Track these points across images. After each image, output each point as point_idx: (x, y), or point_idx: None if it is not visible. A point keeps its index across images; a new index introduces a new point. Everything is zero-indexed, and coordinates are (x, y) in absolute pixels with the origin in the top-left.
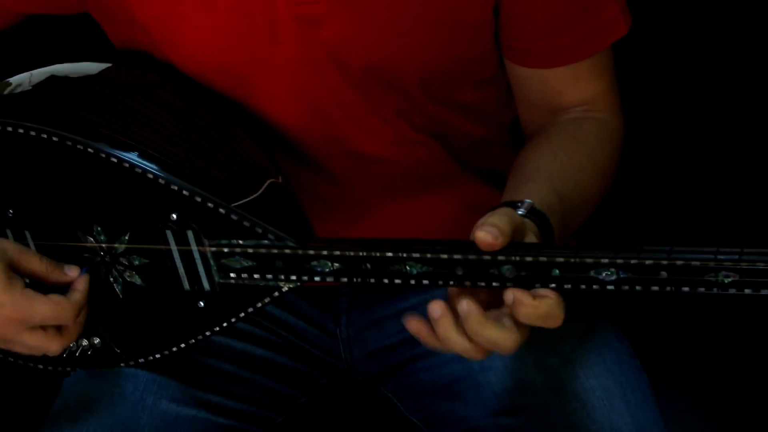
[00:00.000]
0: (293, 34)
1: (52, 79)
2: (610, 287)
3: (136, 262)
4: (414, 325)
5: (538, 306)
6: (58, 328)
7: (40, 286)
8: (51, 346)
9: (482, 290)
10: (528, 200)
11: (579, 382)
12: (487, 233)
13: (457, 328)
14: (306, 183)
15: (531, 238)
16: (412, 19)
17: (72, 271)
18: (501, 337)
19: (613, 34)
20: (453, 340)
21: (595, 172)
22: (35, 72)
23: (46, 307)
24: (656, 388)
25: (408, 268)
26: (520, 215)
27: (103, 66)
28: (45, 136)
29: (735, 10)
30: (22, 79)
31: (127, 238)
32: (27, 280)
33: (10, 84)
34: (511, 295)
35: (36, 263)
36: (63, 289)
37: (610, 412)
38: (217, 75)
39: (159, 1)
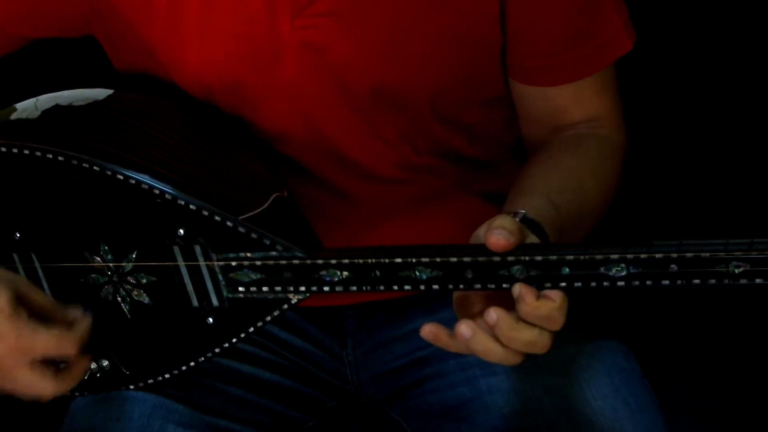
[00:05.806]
0: (297, 58)
1: (59, 105)
2: (620, 283)
3: (144, 281)
4: (430, 331)
5: (539, 307)
6: (56, 371)
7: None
8: (44, 387)
9: (479, 300)
10: (521, 211)
11: (587, 404)
12: (499, 236)
13: (493, 338)
14: (312, 200)
15: (533, 240)
16: (420, 40)
17: (75, 312)
18: (536, 336)
19: (617, 50)
20: (493, 350)
21: (595, 186)
22: (41, 98)
23: (49, 338)
24: (660, 399)
25: (417, 273)
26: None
27: (108, 92)
28: (50, 156)
29: (737, 11)
30: (28, 105)
31: (134, 256)
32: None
33: (16, 109)
34: (517, 289)
35: (42, 298)
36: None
37: None
38: (221, 96)
39: (161, 24)
